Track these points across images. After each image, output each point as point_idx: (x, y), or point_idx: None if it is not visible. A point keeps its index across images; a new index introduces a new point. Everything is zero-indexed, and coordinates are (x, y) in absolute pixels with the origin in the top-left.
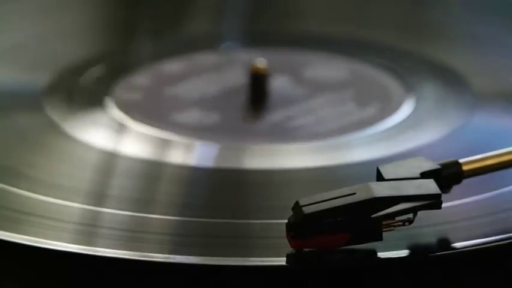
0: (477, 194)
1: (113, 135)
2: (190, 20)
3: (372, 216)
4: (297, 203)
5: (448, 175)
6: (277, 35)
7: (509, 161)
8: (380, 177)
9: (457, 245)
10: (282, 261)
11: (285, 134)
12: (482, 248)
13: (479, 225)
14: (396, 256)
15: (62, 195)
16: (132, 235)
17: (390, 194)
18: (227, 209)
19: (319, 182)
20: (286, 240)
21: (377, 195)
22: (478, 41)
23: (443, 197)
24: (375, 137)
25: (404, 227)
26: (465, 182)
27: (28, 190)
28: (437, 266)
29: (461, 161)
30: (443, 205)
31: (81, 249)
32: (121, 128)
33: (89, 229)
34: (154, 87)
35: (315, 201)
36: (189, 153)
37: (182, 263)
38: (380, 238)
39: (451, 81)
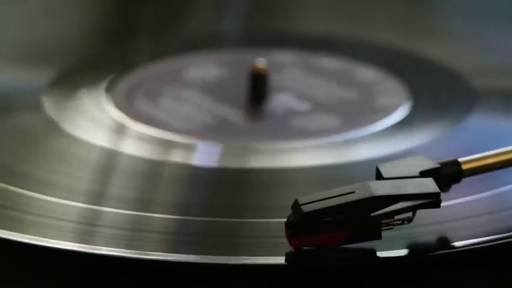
0: (476, 193)
1: (112, 134)
2: (190, 20)
3: (372, 215)
4: (296, 201)
5: (448, 174)
6: (277, 35)
7: (508, 160)
8: (379, 176)
9: (457, 244)
10: (281, 260)
11: (285, 133)
12: (482, 247)
13: (478, 224)
14: (395, 255)
15: (62, 194)
16: (133, 234)
17: (390, 193)
18: (227, 208)
19: (319, 181)
20: (285, 239)
21: (376, 194)
22: (477, 40)
23: (443, 196)
24: (374, 136)
25: (403, 226)
26: (464, 181)
27: (28, 189)
28: (437, 265)
29: (460, 160)
30: (443, 204)
31: (81, 248)
32: (120, 128)
33: (89, 228)
34: (154, 87)
35: (315, 199)
36: (190, 152)
37: (183, 261)
38: (379, 237)
39: (450, 80)
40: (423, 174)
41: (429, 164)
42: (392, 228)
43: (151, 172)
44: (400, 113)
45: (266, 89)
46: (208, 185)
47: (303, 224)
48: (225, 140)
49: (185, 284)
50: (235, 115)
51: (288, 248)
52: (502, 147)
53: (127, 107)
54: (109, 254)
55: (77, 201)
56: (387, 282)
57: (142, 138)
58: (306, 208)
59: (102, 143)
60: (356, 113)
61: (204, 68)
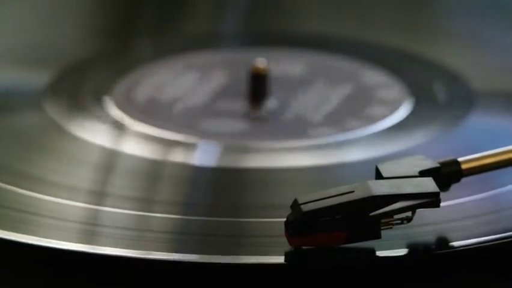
0: (476, 192)
1: (113, 134)
2: (190, 19)
3: (371, 214)
4: (295, 201)
5: (447, 174)
6: (277, 35)
7: (507, 159)
8: (378, 176)
9: (456, 243)
10: (280, 259)
11: (285, 133)
12: (482, 247)
13: (477, 224)
14: (394, 255)
15: (63, 194)
16: (134, 234)
17: (389, 192)
18: (227, 207)
19: (319, 181)
20: (285, 239)
21: (376, 194)
22: (477, 40)
23: (442, 195)
24: (375, 136)
25: (402, 226)
26: (464, 180)
27: (29, 189)
28: (436, 265)
29: (460, 159)
30: (442, 204)
31: (82, 248)
32: (121, 127)
33: (90, 228)
34: (154, 87)
35: (314, 199)
36: (190, 152)
37: (184, 261)
38: (379, 236)
39: (450, 80)
40: (423, 173)
41: (428, 164)
42: (392, 228)
43: (152, 172)
44: (400, 112)
45: (266, 89)
46: (208, 185)
47: (302, 224)
48: (225, 139)
49: (185, 283)
50: (235, 115)
51: (288, 248)
52: (502, 147)
53: (127, 106)
54: (110, 254)
55: (78, 201)
56: (387, 282)
57: (142, 137)
58: (305, 207)
59: (103, 143)
60: (355, 112)
61: (204, 67)
